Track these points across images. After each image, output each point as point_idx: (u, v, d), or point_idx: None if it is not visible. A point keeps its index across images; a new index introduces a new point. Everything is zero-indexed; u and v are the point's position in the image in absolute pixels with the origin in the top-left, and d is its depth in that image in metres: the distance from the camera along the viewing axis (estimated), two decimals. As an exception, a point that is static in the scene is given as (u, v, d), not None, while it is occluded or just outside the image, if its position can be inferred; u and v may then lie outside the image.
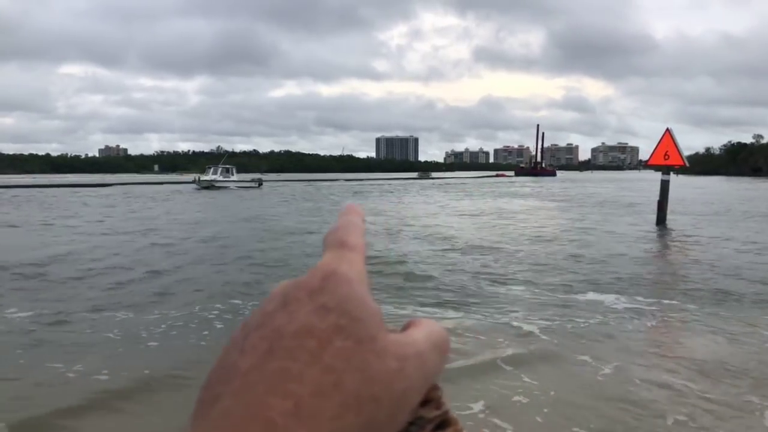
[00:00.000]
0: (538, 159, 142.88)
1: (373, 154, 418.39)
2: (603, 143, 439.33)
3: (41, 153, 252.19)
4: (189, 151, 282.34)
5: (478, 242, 13.37)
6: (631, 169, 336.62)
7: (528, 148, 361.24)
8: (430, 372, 0.29)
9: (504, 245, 12.87)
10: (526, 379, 4.79)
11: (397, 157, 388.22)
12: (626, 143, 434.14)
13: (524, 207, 26.90)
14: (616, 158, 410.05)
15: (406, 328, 0.31)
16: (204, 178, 50.93)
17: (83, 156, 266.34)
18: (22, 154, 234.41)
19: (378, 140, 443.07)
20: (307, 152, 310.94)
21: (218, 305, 7.35)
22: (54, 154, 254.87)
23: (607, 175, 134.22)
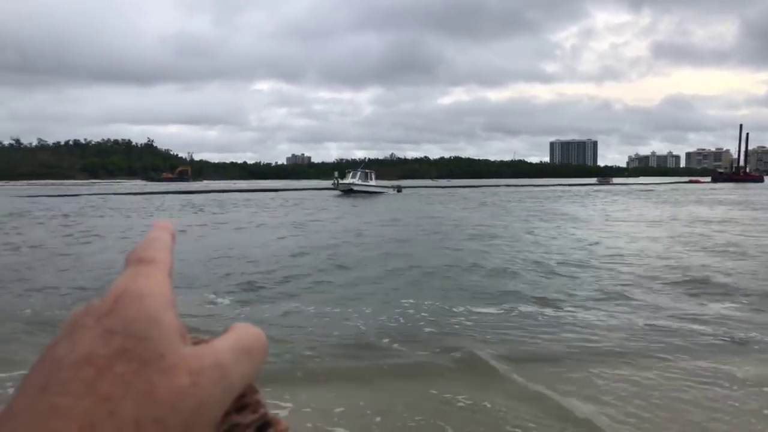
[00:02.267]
0: (741, 163, 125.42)
1: (546, 159, 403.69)
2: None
3: (239, 161, 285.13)
4: (365, 158, 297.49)
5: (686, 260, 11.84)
6: None
7: (727, 150, 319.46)
8: (234, 380, 0.28)
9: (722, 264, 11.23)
10: None
11: (572, 162, 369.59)
12: None
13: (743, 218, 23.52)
14: None
15: (223, 334, 0.30)
16: (343, 181, 51.44)
17: (273, 164, 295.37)
18: (224, 163, 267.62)
19: (552, 144, 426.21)
20: (476, 158, 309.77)
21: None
22: (249, 162, 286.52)
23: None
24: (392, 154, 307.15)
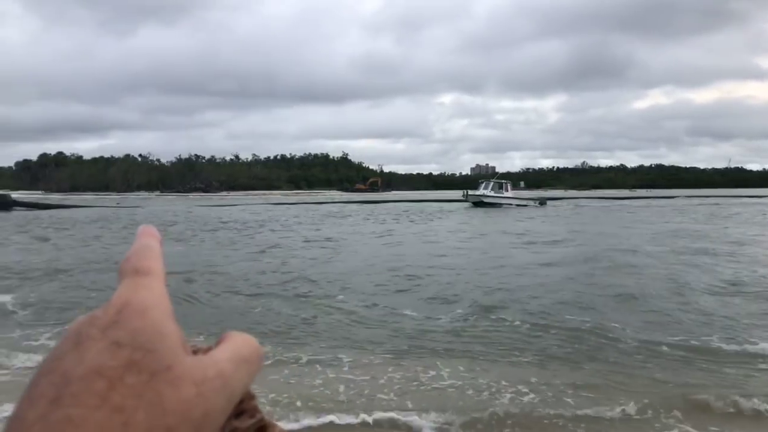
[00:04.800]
0: None
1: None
2: None
3: (425, 172, 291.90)
4: (553, 167, 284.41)
5: None
6: None
7: None
8: (235, 388, 0.29)
9: None
10: None
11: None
12: None
13: None
14: None
15: (219, 342, 0.32)
16: (473, 192, 47.14)
17: (457, 174, 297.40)
18: (411, 174, 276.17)
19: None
20: (681, 165, 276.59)
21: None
22: (434, 173, 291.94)
23: None
24: (584, 162, 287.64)
